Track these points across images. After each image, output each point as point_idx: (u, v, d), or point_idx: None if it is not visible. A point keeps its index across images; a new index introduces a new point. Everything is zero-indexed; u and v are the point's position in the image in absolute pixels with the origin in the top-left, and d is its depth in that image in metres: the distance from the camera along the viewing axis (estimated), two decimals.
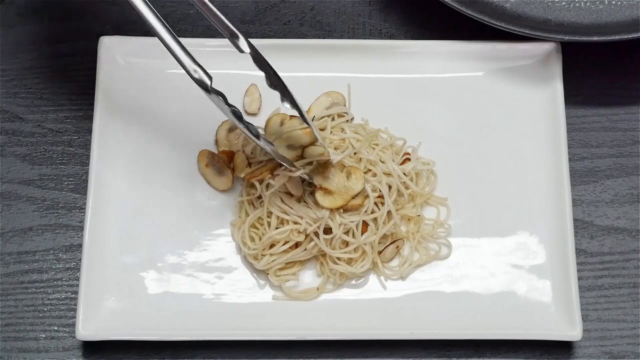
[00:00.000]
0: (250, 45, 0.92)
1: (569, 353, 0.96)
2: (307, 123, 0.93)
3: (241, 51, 0.92)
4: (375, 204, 0.96)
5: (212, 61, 1.03)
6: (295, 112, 0.93)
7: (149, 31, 1.05)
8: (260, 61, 0.92)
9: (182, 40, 1.02)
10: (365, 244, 0.96)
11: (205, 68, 0.89)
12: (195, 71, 0.89)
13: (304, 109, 0.94)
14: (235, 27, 0.91)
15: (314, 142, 0.96)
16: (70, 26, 1.07)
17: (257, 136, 0.92)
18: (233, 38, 0.92)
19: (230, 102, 1.02)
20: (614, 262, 0.99)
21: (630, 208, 1.01)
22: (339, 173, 0.96)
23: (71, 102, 1.04)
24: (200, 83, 0.89)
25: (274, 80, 0.92)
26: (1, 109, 1.04)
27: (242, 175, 0.98)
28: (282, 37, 1.05)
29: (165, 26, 0.89)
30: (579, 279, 0.96)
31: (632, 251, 0.99)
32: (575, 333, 0.93)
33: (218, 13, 0.92)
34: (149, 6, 0.89)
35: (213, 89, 0.89)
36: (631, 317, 0.97)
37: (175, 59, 0.89)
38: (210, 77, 0.89)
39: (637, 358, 0.96)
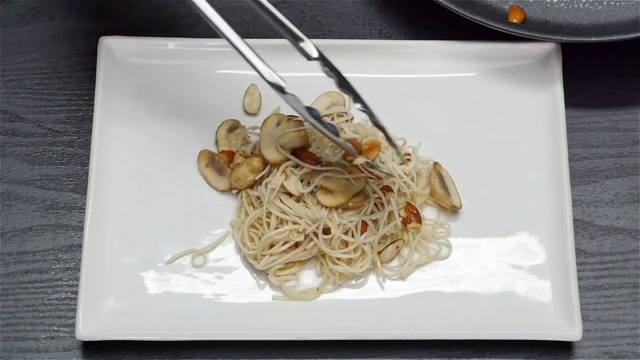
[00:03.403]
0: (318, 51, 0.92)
1: (569, 353, 0.96)
2: (380, 127, 0.92)
3: (308, 58, 0.92)
4: (375, 204, 0.96)
5: (212, 61, 1.03)
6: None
7: (150, 31, 1.06)
8: (329, 66, 0.92)
9: (182, 40, 1.03)
10: (364, 244, 0.96)
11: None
12: (270, 75, 0.90)
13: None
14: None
15: (306, 145, 0.97)
16: (70, 26, 1.07)
17: (337, 134, 0.92)
18: (298, 42, 0.92)
19: (230, 101, 1.03)
20: (614, 262, 0.99)
21: (630, 208, 1.01)
22: (340, 173, 0.96)
23: (71, 102, 1.04)
24: (275, 86, 0.90)
25: (344, 84, 0.92)
26: (1, 109, 1.04)
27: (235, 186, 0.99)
28: (282, 37, 1.05)
29: (233, 30, 0.90)
30: (579, 279, 0.96)
31: (632, 251, 0.99)
32: (575, 333, 0.93)
33: (283, 19, 0.92)
34: (214, 10, 0.90)
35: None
36: (631, 317, 0.97)
37: (249, 63, 0.90)
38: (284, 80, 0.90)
39: (637, 358, 0.96)
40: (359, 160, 0.95)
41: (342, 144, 0.94)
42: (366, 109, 0.92)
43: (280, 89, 0.90)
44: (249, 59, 0.90)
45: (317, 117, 0.91)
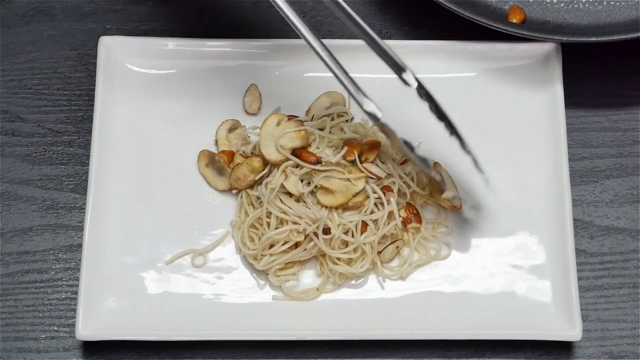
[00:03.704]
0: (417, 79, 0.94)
1: (569, 353, 0.96)
2: (470, 155, 0.94)
3: (406, 84, 0.93)
4: (375, 204, 0.96)
5: (212, 61, 1.03)
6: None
7: (150, 31, 1.06)
8: (426, 95, 0.93)
9: (182, 40, 1.03)
10: (364, 244, 0.96)
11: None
12: (368, 104, 0.92)
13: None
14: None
15: (306, 145, 0.97)
16: (70, 26, 1.07)
17: (429, 167, 0.94)
18: (400, 72, 0.94)
19: (230, 101, 1.03)
20: (614, 262, 0.99)
21: (630, 208, 1.01)
22: (340, 172, 0.96)
23: (71, 102, 1.05)
24: (372, 115, 0.92)
25: (440, 114, 0.94)
26: (1, 109, 1.04)
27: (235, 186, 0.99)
28: (282, 37, 1.05)
29: (332, 57, 0.93)
30: (579, 279, 0.96)
31: (632, 251, 0.99)
32: (575, 333, 0.93)
33: (386, 48, 0.94)
34: (314, 35, 0.93)
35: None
36: (631, 317, 0.97)
37: (348, 91, 0.92)
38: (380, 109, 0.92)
39: (637, 358, 0.96)
40: (448, 195, 0.96)
41: (435, 177, 0.96)
42: (459, 140, 0.93)
43: (376, 118, 0.92)
44: (347, 87, 0.92)
45: (411, 147, 0.93)
